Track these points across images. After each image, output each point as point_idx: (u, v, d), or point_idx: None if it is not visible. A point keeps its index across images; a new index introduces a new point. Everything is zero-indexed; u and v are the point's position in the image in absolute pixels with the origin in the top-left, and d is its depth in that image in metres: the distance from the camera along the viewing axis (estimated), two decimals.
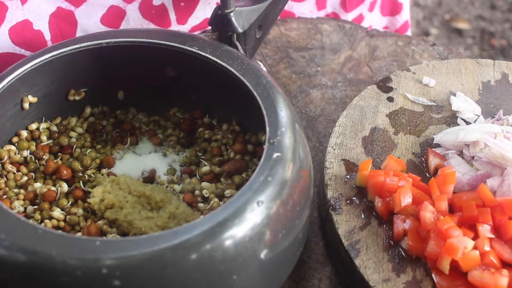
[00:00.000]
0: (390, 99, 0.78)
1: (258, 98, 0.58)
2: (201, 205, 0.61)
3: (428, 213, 0.60)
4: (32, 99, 0.65)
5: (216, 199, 0.61)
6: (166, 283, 0.45)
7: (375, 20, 1.11)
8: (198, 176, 0.65)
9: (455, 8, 2.24)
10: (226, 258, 0.47)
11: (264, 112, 0.57)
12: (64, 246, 0.45)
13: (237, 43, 0.68)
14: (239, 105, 0.66)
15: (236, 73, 0.61)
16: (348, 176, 0.68)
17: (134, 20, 0.83)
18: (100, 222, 0.58)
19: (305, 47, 0.95)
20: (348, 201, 0.66)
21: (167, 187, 0.64)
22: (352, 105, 0.76)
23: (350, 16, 1.07)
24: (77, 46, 0.64)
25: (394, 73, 0.82)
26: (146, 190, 0.60)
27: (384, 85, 0.80)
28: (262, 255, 0.49)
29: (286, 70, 0.91)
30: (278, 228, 0.50)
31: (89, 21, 0.80)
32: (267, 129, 0.55)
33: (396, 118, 0.76)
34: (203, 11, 0.90)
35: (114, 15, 0.82)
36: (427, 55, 0.95)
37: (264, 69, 0.65)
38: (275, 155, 0.52)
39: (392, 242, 0.62)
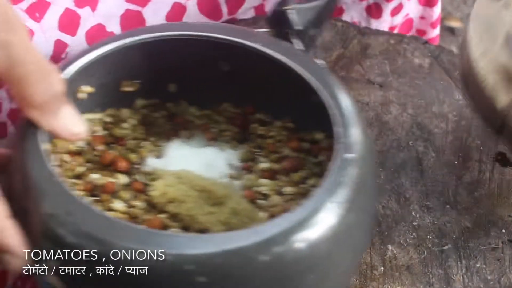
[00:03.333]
0: None
1: (322, 96, 0.58)
2: (261, 201, 0.61)
3: None
4: (88, 89, 0.65)
5: (277, 196, 0.61)
6: (247, 281, 0.46)
7: (412, 8, 1.12)
8: (256, 173, 0.65)
9: (448, 6, 2.22)
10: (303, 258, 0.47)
11: (330, 111, 0.57)
12: (145, 240, 0.45)
13: (295, 40, 0.68)
14: (294, 102, 0.66)
15: (299, 71, 0.61)
16: None
17: (192, 15, 0.87)
18: (162, 215, 0.58)
19: None
20: None
21: (226, 182, 0.63)
22: None
23: (390, 6, 1.08)
24: (132, 39, 0.65)
25: None
26: (207, 184, 0.60)
27: None
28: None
29: None
30: (352, 229, 0.50)
31: (156, 19, 0.84)
32: (334, 128, 0.55)
33: None
34: (251, 1, 0.92)
35: (177, 12, 0.85)
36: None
37: (325, 66, 0.65)
38: (347, 155, 0.53)
39: None
